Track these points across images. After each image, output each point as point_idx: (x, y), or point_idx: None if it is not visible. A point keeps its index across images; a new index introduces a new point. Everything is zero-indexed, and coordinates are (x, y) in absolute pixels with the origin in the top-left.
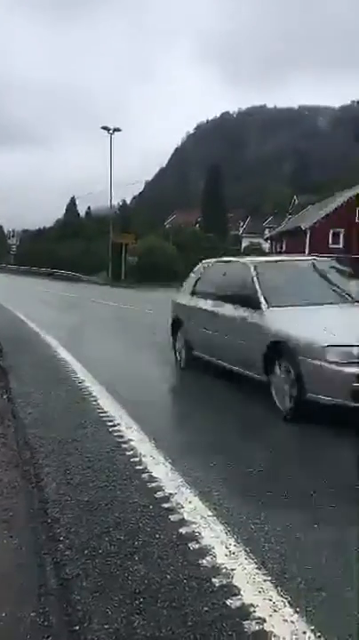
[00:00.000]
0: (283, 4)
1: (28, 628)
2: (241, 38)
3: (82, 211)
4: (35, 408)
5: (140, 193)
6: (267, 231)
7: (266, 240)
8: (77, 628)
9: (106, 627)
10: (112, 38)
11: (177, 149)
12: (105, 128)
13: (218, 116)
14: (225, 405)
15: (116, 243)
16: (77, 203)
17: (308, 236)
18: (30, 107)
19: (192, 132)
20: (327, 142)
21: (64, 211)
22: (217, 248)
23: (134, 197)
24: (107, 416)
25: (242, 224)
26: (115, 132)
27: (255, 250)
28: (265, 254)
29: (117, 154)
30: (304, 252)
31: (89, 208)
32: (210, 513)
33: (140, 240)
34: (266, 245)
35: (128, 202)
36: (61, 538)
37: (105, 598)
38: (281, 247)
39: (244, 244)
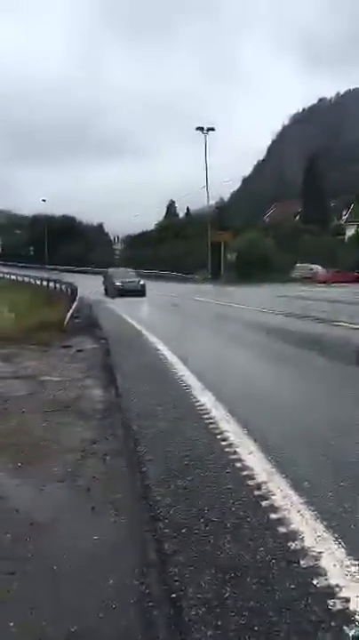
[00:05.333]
0: None
1: (132, 595)
2: (322, 20)
3: (182, 211)
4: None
5: (238, 189)
6: None
7: None
8: (174, 595)
9: (199, 596)
10: (194, 43)
11: (273, 142)
12: (199, 128)
13: (314, 103)
14: None
15: (214, 241)
16: (177, 204)
17: None
18: (128, 117)
19: (287, 123)
20: None
21: (164, 213)
22: (319, 239)
23: (232, 194)
24: (204, 409)
25: (345, 212)
26: (210, 132)
27: None
28: None
29: (214, 153)
30: None
31: (188, 209)
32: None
33: (239, 236)
34: None
35: (226, 199)
36: (161, 518)
37: (199, 572)
38: None
39: (349, 232)
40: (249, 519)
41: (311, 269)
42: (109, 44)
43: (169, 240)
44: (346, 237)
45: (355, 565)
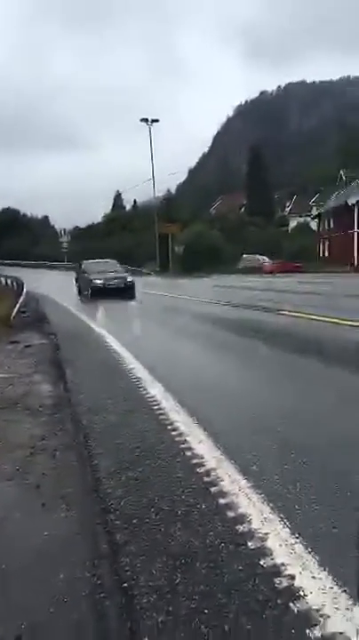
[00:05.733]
0: None
1: (84, 587)
2: (264, 16)
3: (129, 204)
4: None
5: (184, 181)
6: (314, 209)
7: (312, 219)
8: (126, 585)
9: (150, 583)
10: (138, 36)
11: (218, 134)
12: (144, 120)
13: (256, 95)
14: None
15: (162, 233)
16: (124, 196)
17: (356, 211)
18: (72, 108)
19: (231, 115)
20: None
21: (111, 206)
22: (264, 231)
23: (178, 186)
24: (154, 400)
25: (288, 204)
26: (155, 124)
27: (303, 230)
28: (313, 233)
29: (159, 145)
30: (353, 228)
31: (135, 201)
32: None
33: (187, 229)
34: (313, 224)
35: (173, 191)
36: (112, 510)
37: (150, 560)
38: (329, 224)
39: (292, 224)
40: (198, 506)
41: (258, 260)
42: (52, 34)
43: (117, 232)
44: (289, 229)
45: (299, 544)
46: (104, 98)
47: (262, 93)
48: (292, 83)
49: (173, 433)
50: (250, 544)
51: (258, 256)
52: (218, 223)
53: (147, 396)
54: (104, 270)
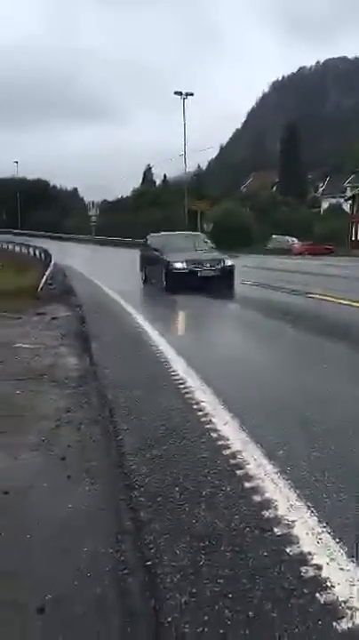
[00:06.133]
0: None
1: (107, 562)
2: None
3: (159, 179)
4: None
5: (216, 157)
6: (348, 191)
7: (346, 200)
8: (149, 563)
9: (173, 564)
10: (173, 9)
11: (253, 110)
12: (178, 93)
13: (294, 71)
14: None
15: (191, 210)
16: (154, 170)
17: None
18: (104, 81)
19: (267, 90)
20: None
21: (141, 180)
22: (295, 211)
23: (210, 162)
24: (179, 378)
25: (321, 185)
26: (189, 97)
27: (335, 211)
28: (346, 215)
29: (193, 119)
30: None
31: (165, 176)
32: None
33: (216, 206)
34: (346, 206)
35: (204, 167)
36: (136, 486)
37: (174, 540)
38: None
39: (325, 205)
40: (224, 488)
41: (287, 241)
42: (84, 5)
43: (145, 207)
44: (321, 210)
45: (326, 533)
46: (137, 70)
47: (300, 69)
48: (332, 58)
49: (199, 413)
50: (276, 530)
51: (287, 237)
52: (248, 201)
53: (173, 373)
54: (188, 248)
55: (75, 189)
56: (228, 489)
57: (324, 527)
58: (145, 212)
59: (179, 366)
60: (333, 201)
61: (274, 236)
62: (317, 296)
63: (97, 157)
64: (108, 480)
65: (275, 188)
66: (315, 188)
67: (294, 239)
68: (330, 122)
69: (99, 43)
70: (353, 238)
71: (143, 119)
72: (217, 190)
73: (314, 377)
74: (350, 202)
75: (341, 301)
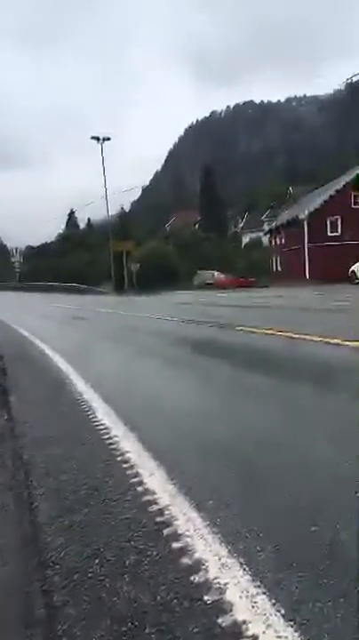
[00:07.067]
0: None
1: None
2: (214, 40)
3: (83, 222)
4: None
5: (139, 199)
6: (266, 225)
7: (265, 234)
8: None
9: None
10: (88, 58)
11: (170, 152)
12: (95, 138)
13: (207, 115)
14: None
15: (117, 252)
16: (77, 215)
17: (306, 225)
18: (23, 127)
19: (182, 134)
20: (317, 131)
21: (64, 224)
22: (218, 247)
23: (133, 203)
24: (104, 427)
25: (240, 220)
26: (108, 142)
27: (255, 245)
28: (266, 248)
29: (112, 163)
30: (304, 243)
31: (89, 219)
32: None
33: (142, 246)
34: (265, 239)
35: (127, 209)
36: (51, 563)
37: (91, 626)
38: (281, 240)
39: (245, 240)
40: (149, 553)
41: (212, 276)
42: (3, 51)
43: (71, 251)
44: (242, 244)
45: (261, 594)
46: (56, 116)
47: (212, 113)
48: (239, 104)
49: (124, 465)
50: (207, 598)
51: (213, 272)
52: (172, 239)
53: (97, 423)
54: None
55: None
56: (154, 553)
57: (259, 587)
58: (71, 255)
59: (102, 414)
60: (253, 235)
61: (199, 272)
62: (244, 328)
63: (20, 203)
64: (21, 558)
65: (197, 226)
66: (235, 224)
67: (217, 273)
68: (242, 162)
69: (18, 88)
70: (274, 269)
71: (65, 164)
72: (142, 231)
73: (246, 414)
74: (268, 235)
75: (265, 331)
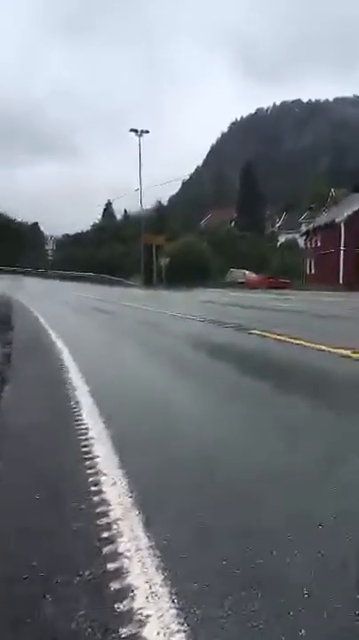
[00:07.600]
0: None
1: None
2: (263, 36)
3: (119, 214)
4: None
5: (177, 193)
6: (303, 226)
7: (301, 236)
8: None
9: None
10: (134, 50)
11: (212, 148)
12: (133, 130)
13: (252, 112)
14: None
15: (147, 244)
16: (115, 206)
17: (343, 229)
18: (60, 118)
19: (226, 130)
20: None
21: (101, 215)
22: (252, 246)
23: (171, 197)
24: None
25: (278, 220)
26: (147, 135)
27: (291, 246)
28: (301, 250)
29: (153, 155)
30: (339, 247)
31: (125, 211)
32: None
33: (175, 241)
34: (301, 241)
35: (165, 202)
36: None
37: None
38: (316, 242)
39: (281, 240)
40: (81, 573)
41: (244, 275)
42: (45, 43)
43: (106, 242)
44: (278, 245)
45: (182, 632)
46: (96, 106)
47: (258, 110)
48: (287, 102)
49: (89, 472)
50: (122, 631)
51: (245, 271)
52: (207, 236)
53: (80, 425)
54: None
55: (36, 223)
56: (86, 574)
57: (181, 624)
58: (106, 246)
59: (87, 413)
60: (289, 236)
61: (231, 270)
62: (258, 332)
63: (57, 192)
64: None
65: (233, 224)
66: (273, 224)
67: (248, 272)
68: (286, 161)
69: (58, 78)
70: (308, 272)
71: (105, 155)
72: (177, 225)
73: (224, 422)
74: (304, 237)
75: (280, 338)
